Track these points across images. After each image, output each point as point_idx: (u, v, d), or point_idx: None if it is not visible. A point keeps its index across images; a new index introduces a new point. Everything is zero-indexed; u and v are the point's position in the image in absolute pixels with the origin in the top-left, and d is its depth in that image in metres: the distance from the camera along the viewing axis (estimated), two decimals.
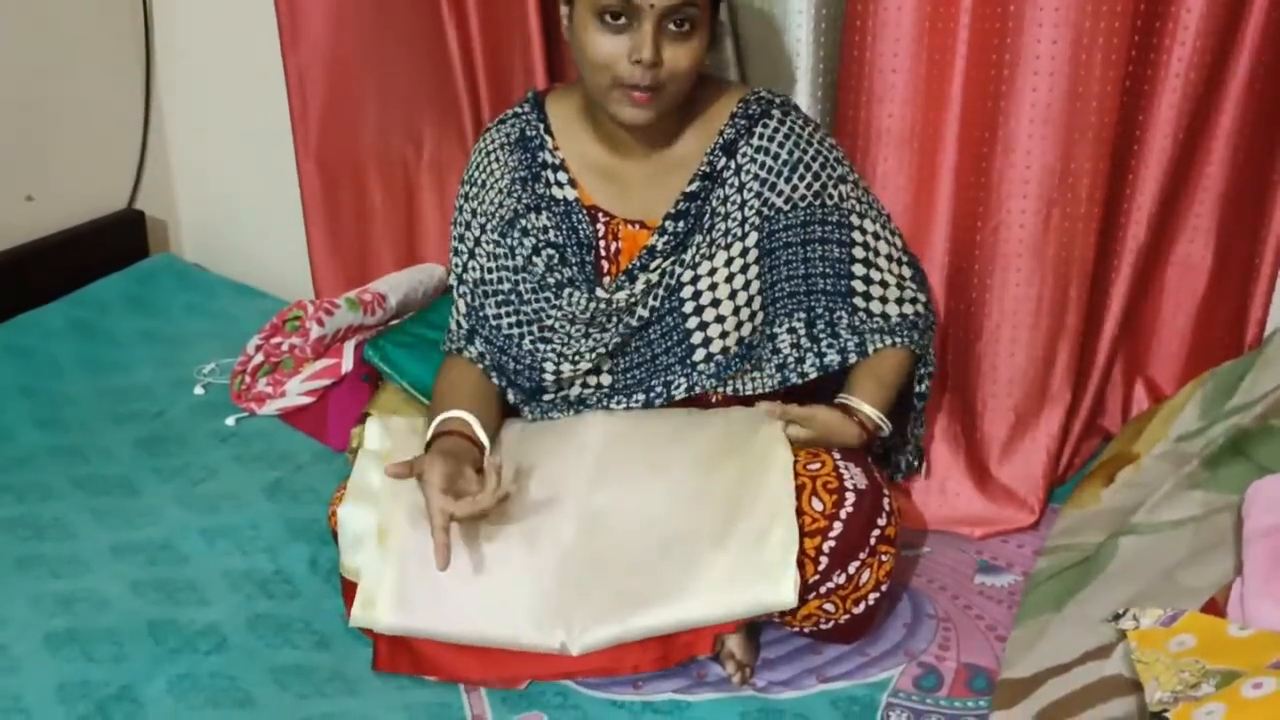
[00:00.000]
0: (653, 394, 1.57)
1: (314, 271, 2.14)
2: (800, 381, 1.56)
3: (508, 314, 1.58)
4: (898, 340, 1.58)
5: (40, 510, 1.72)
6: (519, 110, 1.58)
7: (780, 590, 1.37)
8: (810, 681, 1.45)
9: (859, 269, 1.56)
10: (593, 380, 1.60)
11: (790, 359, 1.56)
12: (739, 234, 1.52)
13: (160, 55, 2.34)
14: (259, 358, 1.98)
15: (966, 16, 1.57)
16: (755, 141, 1.51)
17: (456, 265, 1.61)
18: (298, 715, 1.39)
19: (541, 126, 1.55)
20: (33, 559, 1.62)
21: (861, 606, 1.44)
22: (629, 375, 1.59)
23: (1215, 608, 1.28)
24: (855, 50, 1.64)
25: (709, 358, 1.55)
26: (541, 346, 1.57)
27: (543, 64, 1.85)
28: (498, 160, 1.57)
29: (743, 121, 1.51)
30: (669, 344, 1.56)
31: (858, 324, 1.57)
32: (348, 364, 1.96)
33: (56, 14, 2.17)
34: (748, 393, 1.58)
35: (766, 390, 1.57)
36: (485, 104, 1.97)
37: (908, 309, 1.60)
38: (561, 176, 1.54)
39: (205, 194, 2.44)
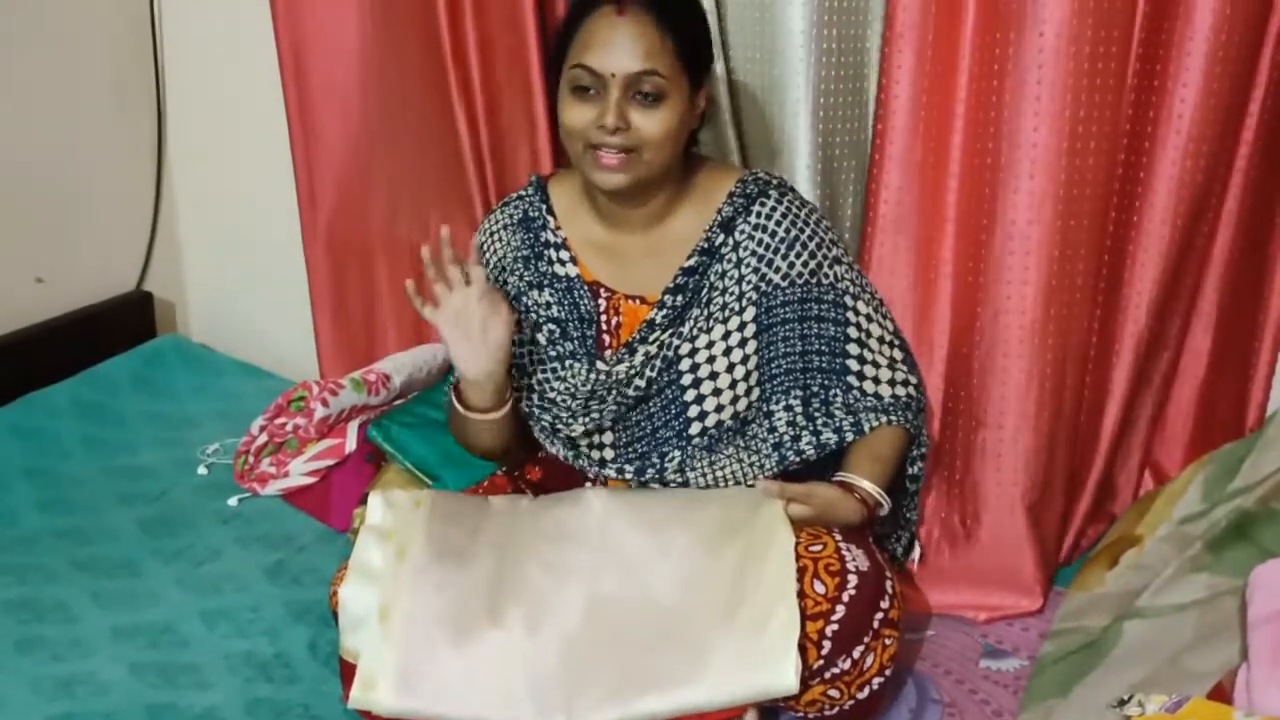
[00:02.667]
0: (649, 467, 1.58)
1: (319, 352, 2.16)
2: (798, 461, 1.56)
3: (512, 382, 1.60)
4: (893, 419, 1.58)
5: (42, 592, 1.71)
6: (522, 193, 1.63)
7: (782, 675, 1.36)
8: None
9: (854, 349, 1.58)
10: (595, 448, 1.61)
11: (787, 437, 1.56)
12: (736, 308, 1.55)
13: (172, 138, 2.38)
14: (263, 438, 1.99)
15: (961, 107, 1.60)
16: (753, 219, 1.54)
17: None
18: None
19: (544, 208, 1.60)
20: (33, 641, 1.61)
21: (866, 691, 1.43)
22: (629, 449, 1.61)
23: (1221, 693, 1.27)
24: (876, 138, 1.67)
25: (704, 431, 1.57)
26: (543, 415, 1.60)
27: (549, 150, 1.88)
28: (500, 240, 1.62)
29: (740, 200, 1.55)
30: (667, 417, 1.58)
31: (852, 402, 1.57)
32: (351, 444, 1.96)
33: (69, 97, 2.21)
34: (748, 477, 1.58)
35: (766, 473, 1.57)
36: (492, 188, 2.00)
37: (900, 390, 1.61)
38: (564, 254, 1.58)
39: (213, 276, 2.47)
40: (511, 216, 1.62)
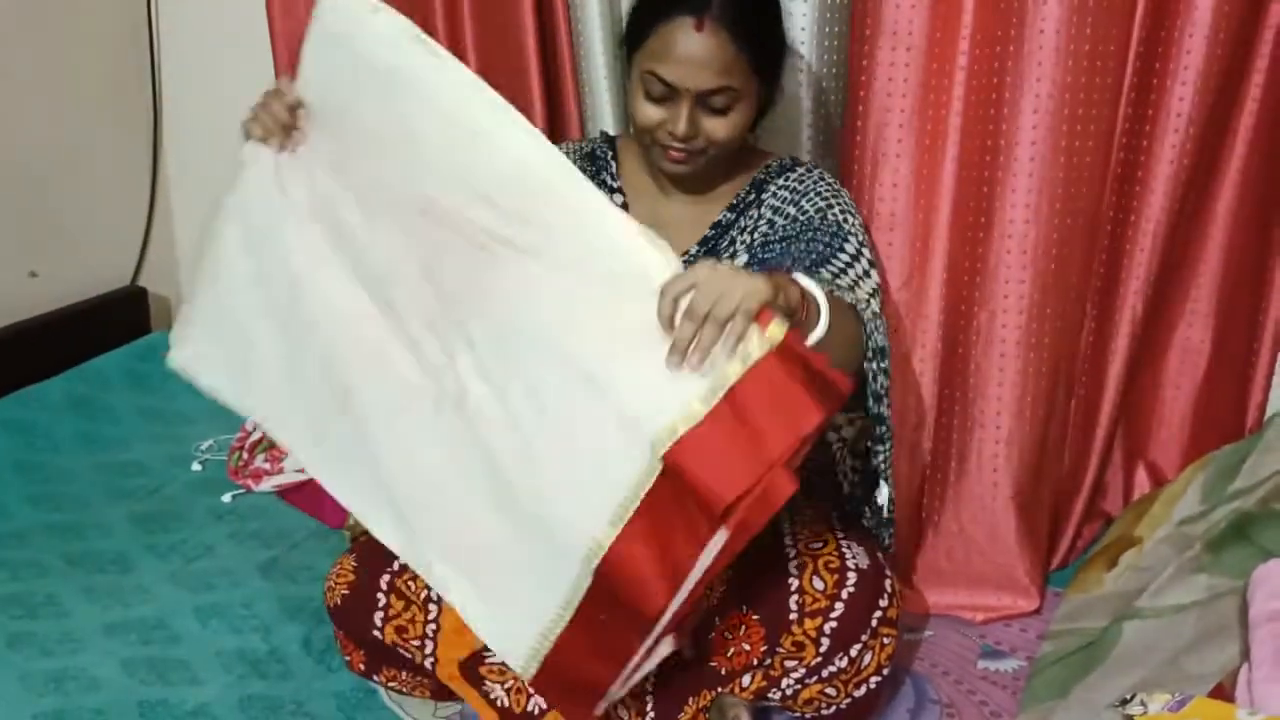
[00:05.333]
0: None
1: None
2: (751, 241, 1.49)
3: None
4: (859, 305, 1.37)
5: (33, 587, 1.70)
6: (591, 139, 1.67)
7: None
8: None
9: (837, 263, 1.43)
10: None
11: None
12: (747, 242, 1.54)
13: (168, 134, 2.37)
14: (257, 434, 1.98)
15: (959, 105, 1.60)
16: (781, 181, 1.56)
17: None
18: None
19: (610, 153, 1.62)
20: (24, 637, 1.60)
21: (863, 690, 1.42)
22: None
23: (1222, 693, 1.27)
24: (854, 135, 1.67)
25: None
26: None
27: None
28: (574, 160, 1.55)
29: (775, 168, 1.58)
30: None
31: (821, 282, 1.32)
32: None
33: (66, 92, 2.20)
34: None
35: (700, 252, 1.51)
36: None
37: (863, 300, 1.39)
38: (617, 199, 1.60)
39: None
40: (581, 149, 1.64)
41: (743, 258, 1.54)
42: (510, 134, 1.19)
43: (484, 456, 1.23)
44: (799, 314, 1.15)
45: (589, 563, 1.16)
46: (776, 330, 1.07)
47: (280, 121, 1.35)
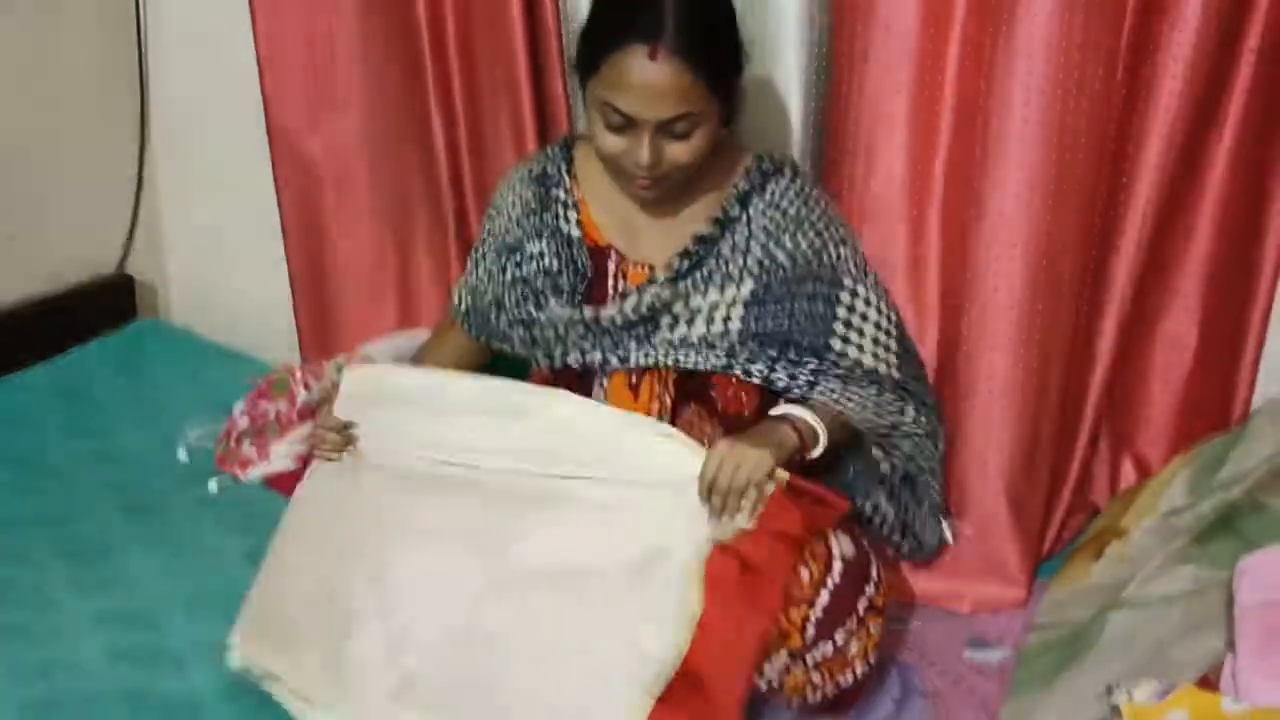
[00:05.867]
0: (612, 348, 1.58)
1: (300, 339, 2.14)
2: (741, 376, 1.53)
3: (495, 319, 1.68)
4: (845, 399, 1.53)
5: (19, 577, 1.69)
6: (549, 150, 1.67)
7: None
8: None
9: (840, 328, 1.56)
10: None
11: (743, 358, 1.54)
12: (736, 279, 1.55)
13: (155, 121, 2.36)
14: (244, 422, 1.97)
15: (951, 95, 1.60)
16: (767, 196, 1.56)
17: (468, 265, 1.74)
18: None
19: (564, 166, 1.63)
20: (10, 627, 1.59)
21: (849, 677, 1.43)
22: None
23: (1208, 684, 1.28)
24: (846, 127, 1.67)
25: (667, 342, 1.56)
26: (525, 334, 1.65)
27: (535, 138, 1.87)
28: (515, 191, 1.66)
29: (757, 176, 1.57)
30: (635, 332, 1.57)
31: (825, 368, 1.53)
32: None
33: (51, 77, 2.18)
34: (690, 365, 1.54)
35: (708, 368, 1.55)
36: (470, 195, 2.00)
37: (881, 367, 1.57)
38: (571, 215, 1.61)
39: (195, 259, 2.44)
40: (530, 171, 1.65)
41: (748, 286, 1.54)
42: (540, 400, 1.51)
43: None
44: (798, 452, 1.47)
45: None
46: (781, 475, 1.39)
47: (338, 444, 1.56)
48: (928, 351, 1.70)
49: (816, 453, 1.50)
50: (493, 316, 1.68)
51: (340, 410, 1.57)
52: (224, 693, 1.49)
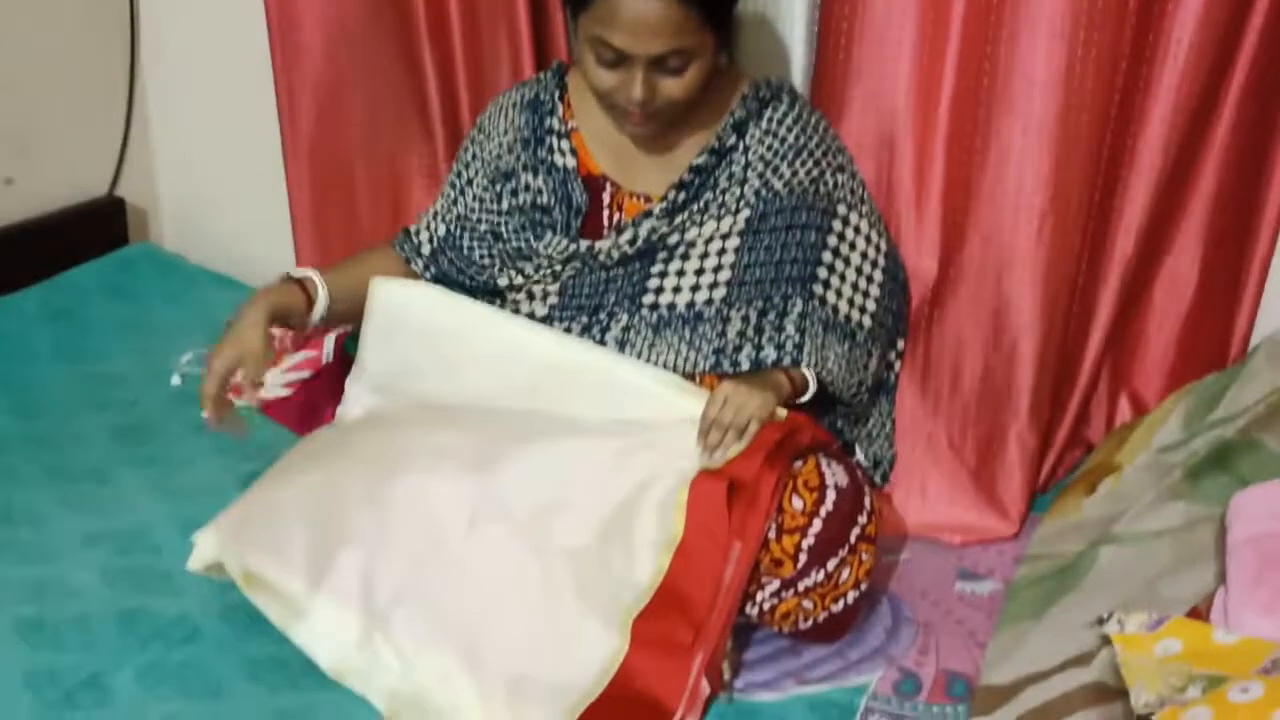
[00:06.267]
0: (594, 324, 1.58)
1: (299, 262, 2.12)
2: (731, 371, 1.53)
3: (482, 250, 1.66)
4: (829, 364, 1.55)
5: (11, 497, 1.69)
6: (540, 77, 1.65)
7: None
8: (789, 684, 1.44)
9: (827, 256, 1.56)
10: (539, 293, 1.63)
11: (730, 346, 1.54)
12: (732, 208, 1.54)
13: (145, 40, 2.31)
14: None
15: (958, 22, 1.57)
16: (764, 124, 1.54)
17: (447, 195, 1.70)
18: (270, 707, 1.37)
19: (557, 94, 1.60)
20: (2, 545, 1.59)
21: (840, 605, 1.44)
22: (574, 299, 1.60)
23: (1198, 617, 1.29)
24: (840, 54, 1.64)
25: (654, 306, 1.56)
26: (511, 274, 1.64)
27: (532, 70, 1.84)
28: (507, 117, 1.63)
29: (754, 104, 1.55)
30: (624, 284, 1.58)
31: (809, 312, 1.54)
32: (328, 356, 1.94)
33: None
34: (681, 370, 1.55)
35: (698, 370, 1.55)
36: (465, 111, 1.96)
37: (847, 309, 1.59)
38: (565, 145, 1.59)
39: (188, 183, 2.41)
40: (523, 97, 1.62)
41: (744, 215, 1.52)
42: (536, 338, 1.56)
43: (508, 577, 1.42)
44: (794, 396, 1.53)
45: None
46: (780, 413, 1.48)
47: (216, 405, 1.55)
48: (926, 282, 1.69)
49: (805, 399, 1.55)
50: (482, 250, 1.65)
51: (369, 321, 1.62)
52: (217, 614, 1.49)
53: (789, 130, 1.54)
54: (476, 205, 1.65)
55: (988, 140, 1.62)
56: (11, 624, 1.45)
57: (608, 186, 1.58)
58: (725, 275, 1.55)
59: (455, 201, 1.68)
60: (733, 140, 1.54)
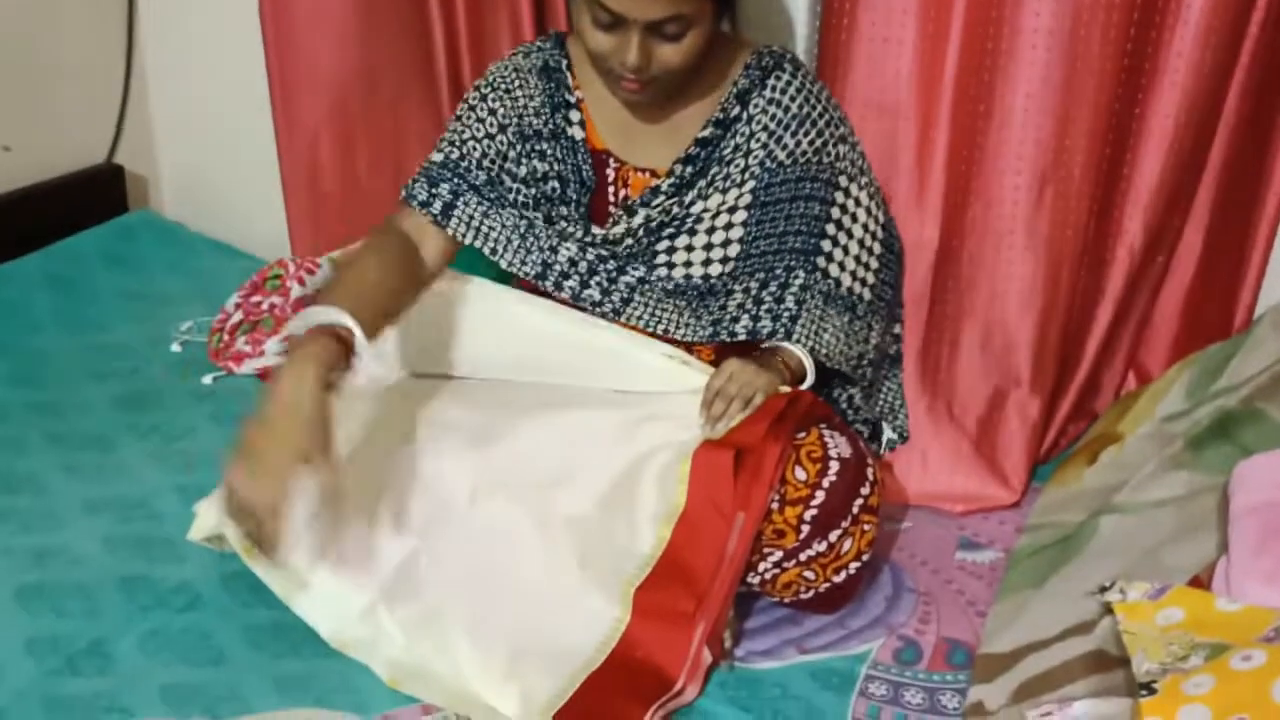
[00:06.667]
0: (610, 280, 1.56)
1: (291, 235, 2.12)
2: (727, 340, 1.53)
3: (494, 201, 1.55)
4: (822, 329, 1.55)
5: (12, 464, 1.69)
6: (541, 45, 1.59)
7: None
8: (790, 653, 1.44)
9: (831, 229, 1.56)
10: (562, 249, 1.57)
11: (727, 317, 1.54)
12: (738, 180, 1.53)
13: (142, 6, 2.30)
14: (238, 316, 1.96)
15: None
16: (767, 94, 1.52)
17: (455, 145, 1.55)
18: (271, 674, 1.37)
19: (564, 63, 1.57)
20: (4, 513, 1.59)
21: (842, 575, 1.44)
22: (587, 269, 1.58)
23: (1199, 586, 1.28)
24: (844, 19, 1.63)
25: (667, 277, 1.56)
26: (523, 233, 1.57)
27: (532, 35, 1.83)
28: (528, 82, 1.56)
29: (756, 73, 1.53)
30: (636, 261, 1.57)
31: (811, 284, 1.54)
32: None
33: None
34: (679, 337, 1.56)
35: (695, 339, 1.55)
36: (467, 77, 1.95)
37: (849, 282, 1.58)
38: (574, 115, 1.56)
39: (187, 150, 2.40)
40: (534, 64, 1.57)
41: (749, 186, 1.52)
42: (538, 312, 1.57)
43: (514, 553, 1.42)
44: (794, 379, 1.52)
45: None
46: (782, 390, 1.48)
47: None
48: (929, 248, 1.68)
49: (807, 383, 1.54)
50: (510, 199, 1.55)
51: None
52: (219, 581, 1.49)
53: (792, 100, 1.52)
54: (498, 158, 1.55)
55: (991, 106, 1.60)
56: (13, 591, 1.46)
57: (611, 161, 1.56)
58: (734, 250, 1.54)
59: (466, 144, 1.55)
60: (736, 110, 1.52)
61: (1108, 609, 1.27)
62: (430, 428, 1.49)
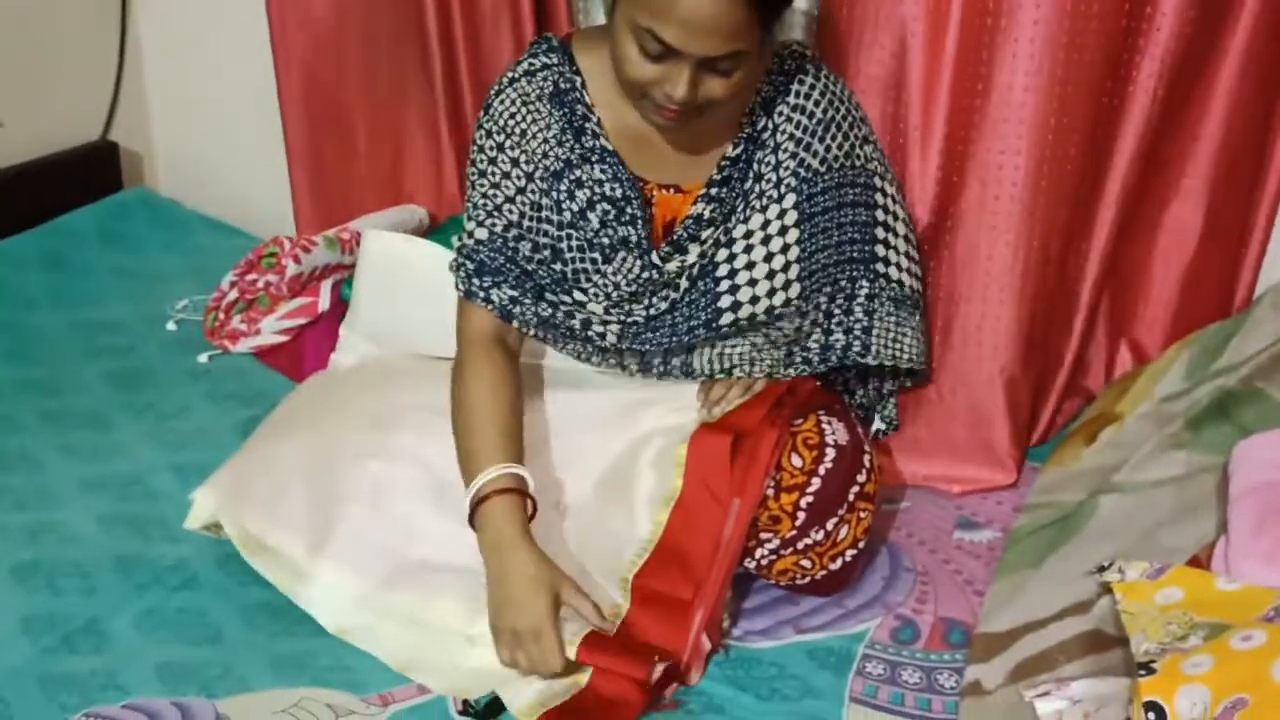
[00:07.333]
0: (673, 341, 1.48)
1: (296, 212, 2.10)
2: (800, 360, 1.51)
3: (542, 265, 1.45)
4: (906, 340, 1.55)
5: (7, 442, 1.69)
6: (546, 62, 1.43)
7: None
8: (787, 632, 1.44)
9: (880, 232, 1.53)
10: (614, 316, 1.48)
11: (802, 335, 1.52)
12: (775, 196, 1.44)
13: None
14: (233, 294, 1.95)
15: None
16: (792, 99, 1.43)
17: (480, 213, 1.45)
18: (267, 654, 1.37)
19: (577, 80, 1.42)
20: None
21: (839, 563, 1.44)
22: (651, 322, 1.49)
23: (1198, 566, 1.28)
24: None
25: (735, 323, 1.47)
26: (569, 300, 1.47)
27: (531, 13, 1.81)
28: (539, 112, 1.42)
29: (780, 78, 1.44)
30: (696, 309, 1.47)
31: (876, 292, 1.52)
32: (324, 303, 1.93)
33: None
34: (756, 366, 1.51)
35: (773, 368, 1.51)
36: (461, 54, 1.94)
37: (910, 280, 1.57)
38: (599, 131, 1.42)
39: (182, 128, 2.39)
40: (542, 89, 1.41)
41: (790, 200, 1.44)
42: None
43: None
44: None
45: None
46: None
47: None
48: (923, 227, 1.66)
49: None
50: (538, 272, 1.44)
51: (364, 272, 1.62)
52: (214, 560, 1.49)
53: (816, 105, 1.44)
54: (536, 214, 1.44)
55: (989, 84, 1.59)
56: (9, 569, 1.45)
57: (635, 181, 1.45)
58: (795, 270, 1.46)
59: (500, 210, 1.44)
60: (763, 121, 1.43)
61: (1106, 589, 1.27)
62: (421, 410, 1.48)
